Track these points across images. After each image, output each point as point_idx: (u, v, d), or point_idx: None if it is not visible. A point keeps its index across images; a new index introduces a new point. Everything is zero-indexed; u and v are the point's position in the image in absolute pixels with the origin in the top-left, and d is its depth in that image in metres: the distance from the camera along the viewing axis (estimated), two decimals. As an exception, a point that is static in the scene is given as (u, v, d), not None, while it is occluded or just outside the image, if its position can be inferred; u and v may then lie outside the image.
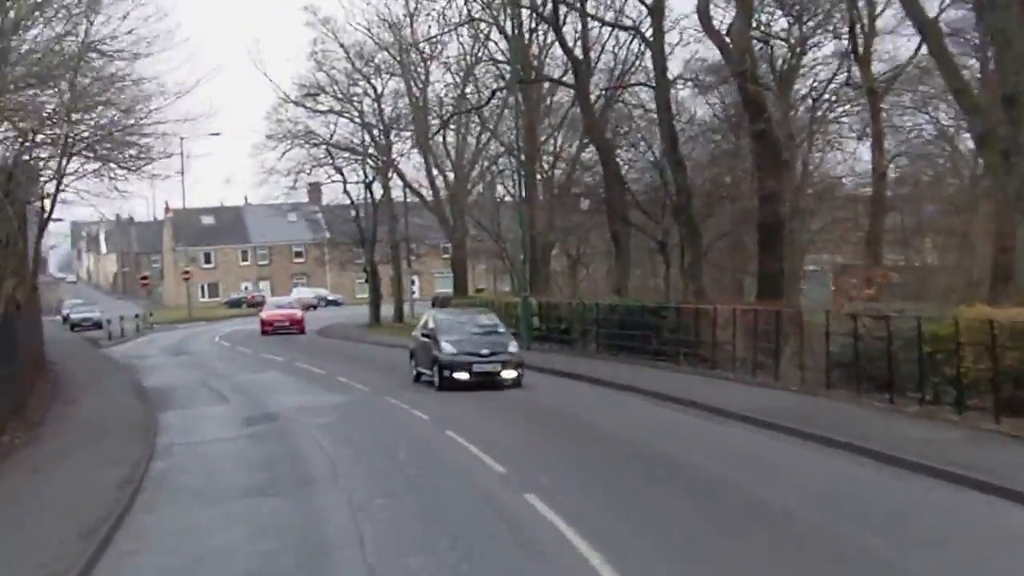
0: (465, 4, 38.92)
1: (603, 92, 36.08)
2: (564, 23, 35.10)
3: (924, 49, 28.56)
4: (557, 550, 9.56)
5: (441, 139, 50.95)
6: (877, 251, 28.00)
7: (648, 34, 31.08)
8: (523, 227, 32.47)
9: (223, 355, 37.30)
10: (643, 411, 19.13)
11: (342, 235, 60.57)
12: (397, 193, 55.33)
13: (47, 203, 30.12)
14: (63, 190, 33.08)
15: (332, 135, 53.41)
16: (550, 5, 34.20)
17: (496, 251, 51.60)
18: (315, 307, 73.17)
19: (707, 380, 21.92)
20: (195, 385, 26.32)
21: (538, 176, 42.08)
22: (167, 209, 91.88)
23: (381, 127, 52.48)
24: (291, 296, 72.76)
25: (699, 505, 11.41)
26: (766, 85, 29.82)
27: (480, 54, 43.27)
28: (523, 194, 34.58)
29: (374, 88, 51.86)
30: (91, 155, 30.36)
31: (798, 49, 34.33)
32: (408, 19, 47.41)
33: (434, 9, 42.81)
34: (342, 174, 55.59)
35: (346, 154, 54.17)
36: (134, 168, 30.67)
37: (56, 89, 25.49)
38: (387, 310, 56.39)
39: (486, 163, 50.61)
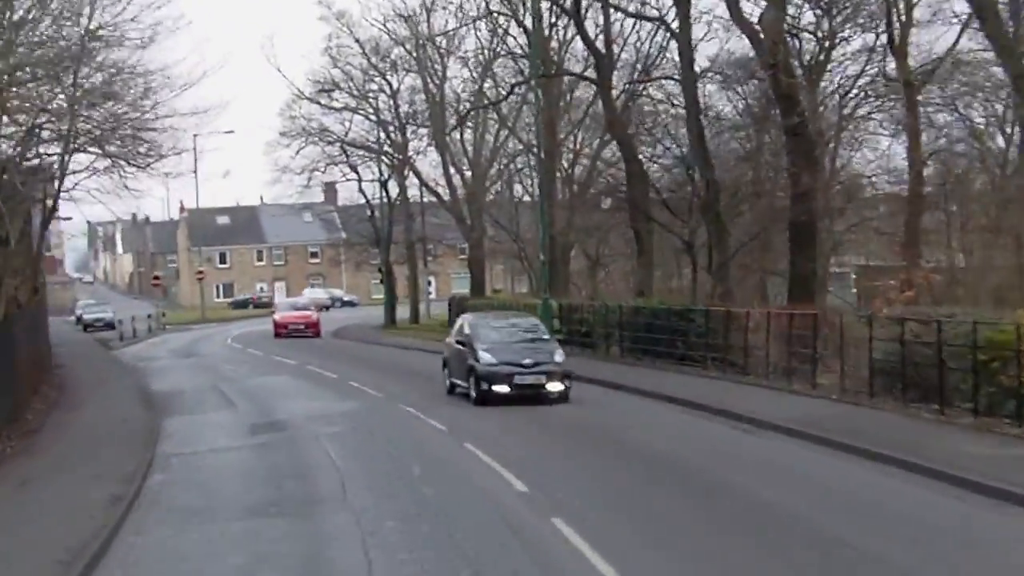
0: (483, -3, 37.89)
1: (627, 86, 34.90)
2: (586, 16, 33.98)
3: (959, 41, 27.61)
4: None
5: (458, 137, 49.97)
6: (914, 251, 26.68)
7: (674, 25, 29.90)
8: (543, 226, 31.33)
9: (234, 357, 36.37)
10: (675, 421, 17.97)
11: (357, 235, 59.62)
12: (413, 192, 54.48)
13: (55, 201, 29.26)
14: (73, 188, 32.38)
15: (347, 132, 52.56)
16: (571, -3, 33.10)
17: (514, 251, 50.62)
18: (327, 308, 72.21)
19: (739, 387, 20.75)
20: (203, 389, 25.39)
21: (558, 174, 40.99)
22: (182, 209, 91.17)
23: (397, 124, 51.50)
24: (304, 296, 71.88)
25: (748, 532, 10.22)
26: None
27: (498, 49, 42.25)
28: (543, 192, 33.42)
29: (390, 84, 50.98)
30: (98, 151, 29.61)
31: (826, 43, 33.16)
32: (425, 13, 46.50)
33: (451, 3, 41.86)
34: (357, 172, 54.71)
35: (361, 152, 53.24)
36: (143, 165, 29.93)
37: (59, 82, 24.66)
38: (403, 311, 55.40)
39: (504, 161, 49.57)
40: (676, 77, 31.13)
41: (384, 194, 53.60)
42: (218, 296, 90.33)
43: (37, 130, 27.19)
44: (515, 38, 40.62)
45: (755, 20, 26.97)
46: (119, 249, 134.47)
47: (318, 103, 51.14)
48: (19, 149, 27.04)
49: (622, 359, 27.19)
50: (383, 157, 52.53)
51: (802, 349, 20.11)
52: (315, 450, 15.78)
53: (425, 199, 54.97)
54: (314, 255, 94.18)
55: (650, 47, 35.51)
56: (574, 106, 42.38)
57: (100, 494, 12.73)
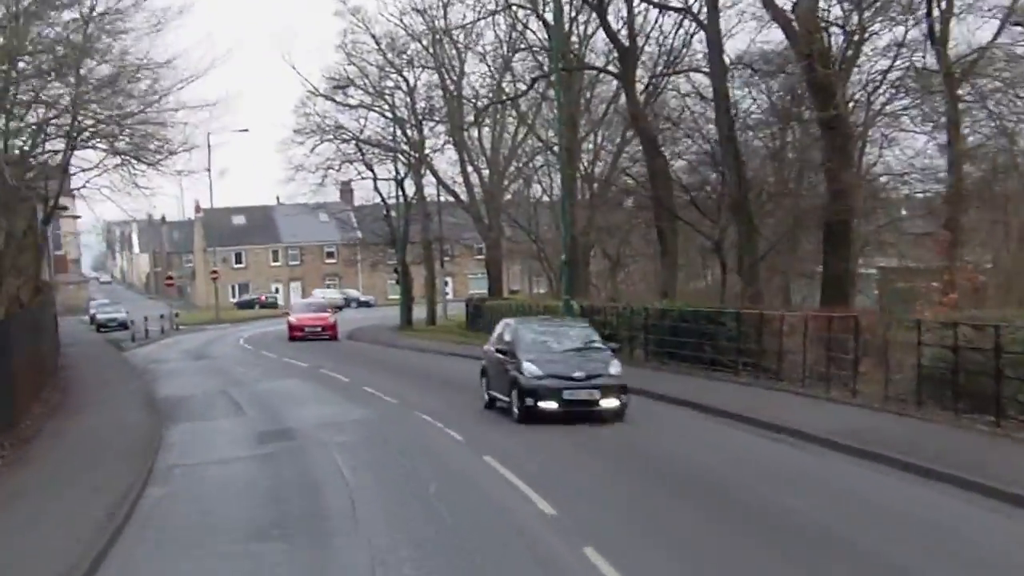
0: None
1: (652, 79, 33.75)
2: (608, 6, 32.86)
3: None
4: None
5: (476, 134, 48.93)
6: (953, 251, 25.46)
7: (701, 16, 28.74)
8: (564, 225, 30.23)
9: (245, 360, 35.44)
10: (709, 432, 16.81)
11: (373, 235, 58.62)
12: (430, 191, 53.46)
13: (56, 198, 28.47)
14: (83, 186, 31.67)
15: (362, 130, 51.58)
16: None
17: (532, 252, 49.57)
18: (340, 308, 71.18)
19: (773, 394, 19.62)
20: (211, 394, 24.44)
21: (578, 173, 39.89)
22: (198, 209, 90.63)
23: (414, 121, 50.50)
24: (315, 296, 70.98)
25: (813, 570, 9.12)
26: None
27: (517, 43, 41.17)
28: (564, 189, 32.32)
29: (406, 81, 49.99)
30: (107, 148, 28.90)
31: (855, 38, 31.96)
32: (442, 8, 45.47)
33: (469, -4, 40.74)
34: (372, 171, 53.72)
35: (377, 150, 52.26)
36: (152, 162, 29.26)
37: (62, 76, 23.87)
38: (419, 312, 54.38)
39: (524, 159, 48.51)
40: (704, 69, 29.96)
41: (400, 193, 52.60)
42: (233, 296, 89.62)
43: (45, 127, 26.42)
44: (534, 32, 39.61)
45: (788, 9, 25.81)
46: (136, 249, 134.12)
47: (333, 100, 50.26)
48: (26, 147, 26.27)
49: (646, 363, 26.05)
50: (399, 155, 51.54)
51: (842, 355, 18.94)
52: (325, 462, 14.75)
53: (442, 198, 53.95)
54: (330, 255, 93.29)
55: (673, 40, 34.40)
56: (593, 106, 41.31)
57: (91, 512, 11.76)
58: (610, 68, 35.53)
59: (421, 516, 11.18)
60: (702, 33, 30.20)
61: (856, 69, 33.28)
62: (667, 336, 25.44)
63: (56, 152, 28.45)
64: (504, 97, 42.34)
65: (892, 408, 16.90)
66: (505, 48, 42.72)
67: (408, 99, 50.14)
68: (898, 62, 31.38)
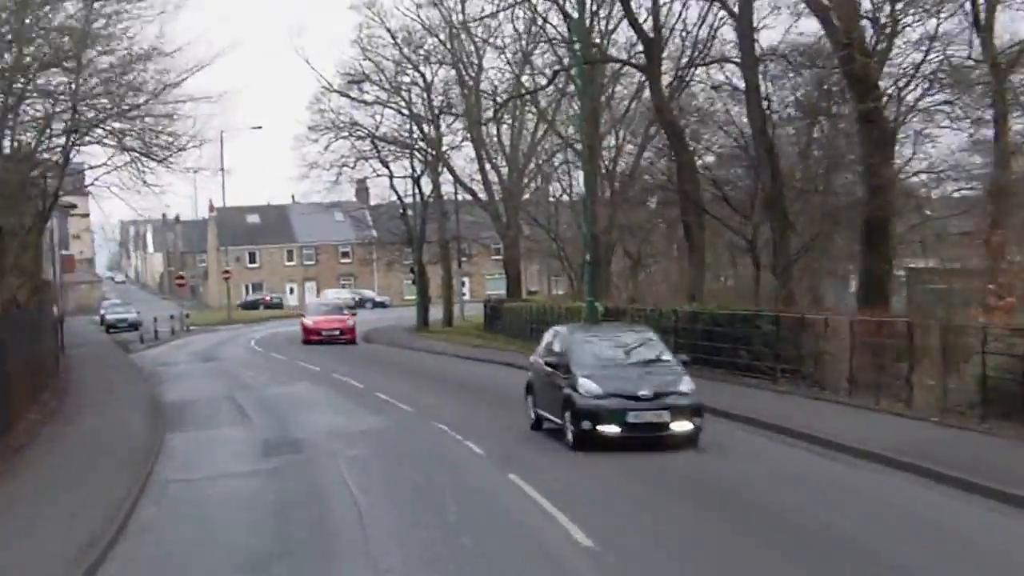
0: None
1: (679, 71, 32.40)
2: (632, -3, 31.52)
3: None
4: None
5: (494, 131, 47.64)
6: (999, 251, 24.02)
7: (734, 7, 27.37)
8: (587, 224, 28.93)
9: (255, 362, 34.27)
10: (753, 448, 15.38)
11: (389, 234, 57.40)
12: (447, 189, 52.17)
13: (55, 196, 27.46)
14: (92, 184, 30.80)
15: (378, 127, 50.38)
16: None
17: (551, 251, 48.28)
18: (352, 308, 69.92)
19: (818, 404, 18.24)
20: (217, 399, 23.30)
21: (599, 170, 38.57)
22: (211, 208, 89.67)
23: (430, 117, 49.27)
24: (327, 297, 69.84)
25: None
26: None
27: (537, 37, 39.90)
28: (587, 187, 31.02)
29: (423, 76, 48.76)
30: (115, 145, 27.93)
31: (887, 30, 30.57)
32: (459, 0, 44.23)
33: (487, -12, 39.55)
34: (388, 168, 52.50)
35: (393, 147, 51.04)
36: (161, 159, 28.31)
37: (63, 66, 22.82)
38: (436, 312, 53.14)
39: (543, 156, 47.20)
40: (736, 60, 28.60)
41: (417, 191, 51.36)
42: (247, 296, 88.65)
43: (49, 121, 25.44)
44: (555, 26, 38.32)
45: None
46: (150, 248, 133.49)
47: (348, 96, 49.03)
48: (32, 143, 25.31)
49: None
50: (415, 152, 50.32)
51: (893, 362, 17.57)
52: (334, 478, 13.52)
53: (459, 196, 52.69)
54: (345, 255, 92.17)
55: (699, 31, 33.05)
56: (614, 103, 40.02)
57: (72, 536, 10.56)
58: (633, 61, 34.21)
59: (440, 546, 9.88)
60: (729, 24, 28.94)
61: (888, 63, 32.05)
62: (699, 340, 24.04)
63: (58, 147, 27.50)
64: (524, 91, 41.06)
65: (951, 422, 15.54)
66: (524, 42, 41.50)
67: (425, 95, 48.96)
68: (931, 56, 30.15)
